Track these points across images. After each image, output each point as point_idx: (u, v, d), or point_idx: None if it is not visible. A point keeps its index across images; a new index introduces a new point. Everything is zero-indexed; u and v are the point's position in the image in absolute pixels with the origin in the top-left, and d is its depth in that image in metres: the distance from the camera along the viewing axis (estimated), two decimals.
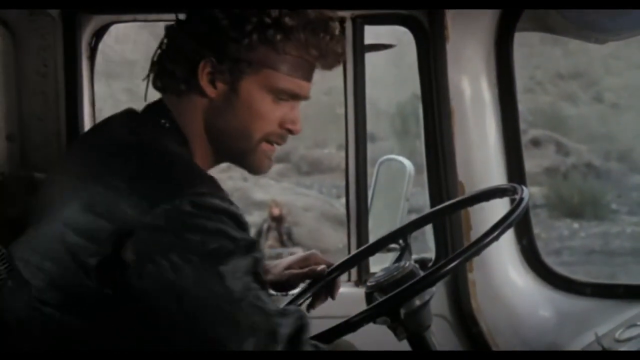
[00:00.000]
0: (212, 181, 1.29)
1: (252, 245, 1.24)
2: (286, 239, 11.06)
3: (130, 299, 1.22)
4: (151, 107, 1.42)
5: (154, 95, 1.44)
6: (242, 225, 1.26)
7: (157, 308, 1.22)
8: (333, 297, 1.66)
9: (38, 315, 1.27)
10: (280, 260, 1.71)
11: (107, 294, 1.22)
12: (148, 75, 1.44)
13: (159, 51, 1.42)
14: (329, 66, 1.43)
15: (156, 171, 1.27)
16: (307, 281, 1.66)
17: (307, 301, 1.67)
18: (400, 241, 1.60)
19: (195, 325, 1.21)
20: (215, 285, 1.19)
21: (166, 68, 1.39)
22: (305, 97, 1.42)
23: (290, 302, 1.60)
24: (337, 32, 1.42)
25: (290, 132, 1.43)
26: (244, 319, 1.20)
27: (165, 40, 1.41)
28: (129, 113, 1.43)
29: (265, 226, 11.14)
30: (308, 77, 1.40)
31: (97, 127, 1.52)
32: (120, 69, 13.89)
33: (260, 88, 1.36)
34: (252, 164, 1.44)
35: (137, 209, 1.20)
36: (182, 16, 1.42)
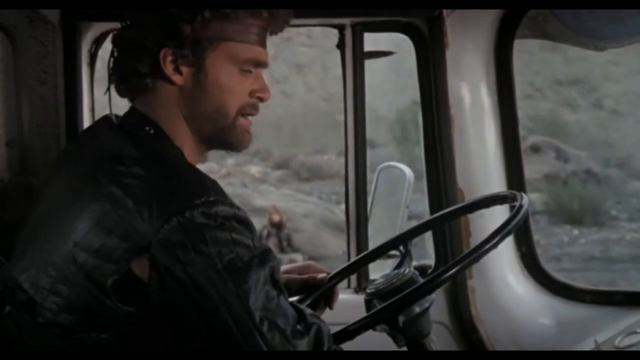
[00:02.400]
0: (217, 186, 1.29)
1: (267, 254, 1.26)
2: (286, 245, 11.06)
3: (153, 315, 1.22)
4: (130, 117, 1.41)
5: (119, 106, 1.44)
6: (250, 228, 1.27)
7: (179, 323, 1.22)
8: (331, 307, 1.66)
9: (49, 339, 1.27)
10: None
11: (128, 311, 1.23)
12: (109, 88, 1.44)
13: (112, 59, 1.42)
14: (279, 28, 1.47)
15: (161, 182, 1.26)
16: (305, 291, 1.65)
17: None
18: (401, 248, 1.60)
19: (214, 344, 1.22)
20: (237, 306, 1.20)
21: (128, 70, 1.38)
22: (265, 64, 1.45)
23: None
24: None
25: (261, 99, 1.45)
26: (263, 343, 1.21)
27: (115, 49, 1.41)
28: (111, 124, 1.42)
29: (265, 232, 11.14)
30: (263, 43, 1.43)
31: (85, 141, 1.49)
32: None
33: (224, 62, 1.38)
34: (234, 141, 1.44)
35: (150, 224, 1.20)
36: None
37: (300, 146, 17.17)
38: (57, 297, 1.26)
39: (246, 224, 1.26)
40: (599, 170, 15.27)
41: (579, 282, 2.18)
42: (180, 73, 1.37)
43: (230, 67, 1.39)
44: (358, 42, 2.06)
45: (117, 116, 1.44)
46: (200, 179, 1.30)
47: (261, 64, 1.44)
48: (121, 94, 1.44)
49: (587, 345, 1.81)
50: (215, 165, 16.03)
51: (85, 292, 1.24)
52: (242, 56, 1.39)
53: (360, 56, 2.07)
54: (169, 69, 1.36)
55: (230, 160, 16.67)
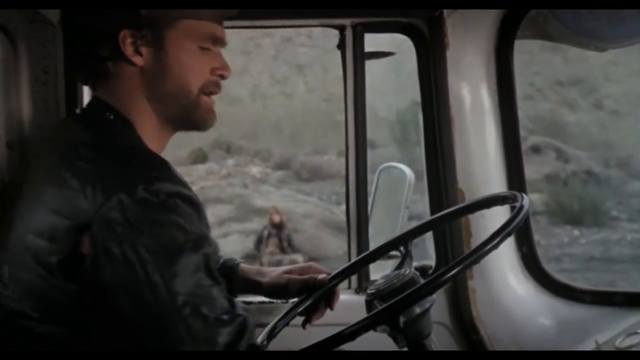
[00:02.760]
0: (164, 165, 1.31)
1: (202, 240, 1.26)
2: (286, 246, 11.06)
3: (93, 292, 1.23)
4: (91, 106, 1.44)
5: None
6: (195, 207, 1.28)
7: (112, 302, 1.23)
8: (332, 308, 1.66)
9: (14, 332, 1.28)
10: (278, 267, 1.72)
11: (74, 290, 1.24)
12: (71, 78, 1.46)
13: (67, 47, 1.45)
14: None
15: (108, 164, 1.29)
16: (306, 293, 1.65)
17: (305, 307, 1.66)
18: (402, 248, 1.60)
19: (139, 324, 1.23)
20: (161, 288, 1.21)
21: (88, 56, 1.39)
22: (222, 41, 1.46)
23: (290, 311, 1.60)
24: None
25: (222, 77, 1.46)
26: (182, 328, 1.21)
27: (72, 36, 1.43)
28: (74, 116, 1.47)
29: (265, 233, 11.15)
30: (219, 20, 1.45)
31: (50, 135, 1.54)
32: None
33: (183, 40, 1.39)
34: (198, 121, 1.45)
35: (92, 202, 1.22)
36: None
37: (300, 147, 17.19)
38: (16, 284, 1.28)
39: (190, 203, 1.27)
40: (600, 171, 15.28)
41: (579, 282, 2.18)
42: (141, 54, 1.38)
43: (189, 44, 1.40)
44: (358, 42, 2.06)
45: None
46: (148, 159, 1.32)
47: (219, 40, 1.45)
48: (86, 82, 1.47)
49: (588, 346, 1.81)
50: (215, 166, 16.04)
51: (35, 275, 1.25)
52: (199, 33, 1.41)
53: (360, 57, 2.07)
54: (128, 50, 1.37)
55: (231, 160, 16.68)
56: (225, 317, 1.25)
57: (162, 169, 1.29)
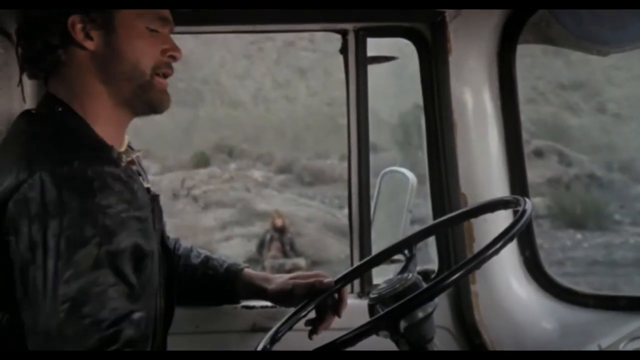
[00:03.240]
0: (101, 145, 1.33)
1: (111, 236, 1.24)
2: (289, 250, 11.06)
3: (5, 270, 1.23)
4: (42, 101, 1.45)
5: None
6: (128, 186, 1.29)
7: (10, 283, 1.23)
8: (339, 315, 1.66)
9: None
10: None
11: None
12: (20, 80, 1.47)
13: (20, 42, 1.44)
14: None
15: (41, 148, 1.30)
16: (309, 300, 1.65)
17: (312, 319, 1.66)
18: (406, 252, 1.60)
19: (24, 308, 1.23)
20: (50, 277, 1.19)
21: (39, 46, 1.40)
22: (169, 22, 1.48)
23: (293, 315, 1.59)
24: None
25: (174, 58, 1.48)
26: (54, 322, 1.20)
27: (22, 30, 1.43)
28: (25, 112, 1.47)
29: (267, 237, 11.15)
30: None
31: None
32: None
33: (130, 21, 1.41)
34: (154, 102, 1.47)
35: (16, 179, 1.23)
36: None
37: (302, 150, 17.18)
38: None
39: (122, 181, 1.28)
40: (602, 174, 15.27)
41: (582, 286, 2.17)
42: (91, 38, 1.39)
43: (138, 25, 1.42)
44: (361, 47, 2.06)
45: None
46: (84, 140, 1.33)
47: (166, 20, 1.47)
48: (38, 76, 1.47)
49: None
50: (218, 170, 16.04)
51: None
52: (148, 15, 1.42)
53: (363, 61, 2.07)
54: (79, 35, 1.39)
55: (233, 164, 16.68)
56: (104, 323, 1.22)
57: (97, 149, 1.30)
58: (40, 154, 1.27)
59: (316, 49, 18.52)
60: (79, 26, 1.38)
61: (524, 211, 1.40)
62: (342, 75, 2.12)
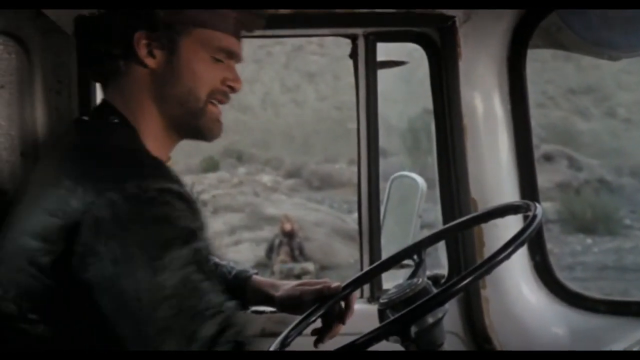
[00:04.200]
0: (158, 163, 1.31)
1: (192, 234, 1.24)
2: (298, 254, 11.05)
3: (82, 292, 1.22)
4: (97, 110, 1.45)
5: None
6: (188, 203, 1.27)
7: (97, 301, 1.22)
8: (344, 322, 1.65)
9: (14, 333, 1.28)
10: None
11: (66, 290, 1.24)
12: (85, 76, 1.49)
13: (83, 45, 1.45)
14: (254, 24, 1.49)
15: (101, 164, 1.29)
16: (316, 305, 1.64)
17: (318, 329, 1.66)
18: (415, 257, 1.59)
19: (120, 321, 1.22)
20: (145, 283, 1.19)
21: (101, 53, 1.40)
22: (238, 56, 1.47)
23: (302, 320, 1.59)
24: None
25: (233, 89, 1.47)
26: (162, 321, 1.19)
27: (89, 35, 1.43)
28: (79, 121, 1.47)
29: (276, 241, 11.15)
30: (237, 33, 1.45)
31: (55, 140, 1.56)
32: None
33: (196, 47, 1.40)
34: (204, 129, 1.46)
35: (82, 201, 1.21)
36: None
37: (311, 155, 17.19)
38: (10, 286, 1.28)
39: (180, 197, 1.26)
40: (612, 179, 15.21)
41: (592, 291, 2.17)
42: (154, 56, 1.39)
43: (203, 53, 1.41)
44: (371, 52, 2.06)
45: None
46: (142, 158, 1.32)
47: (233, 54, 1.46)
48: (97, 79, 1.48)
49: None
50: (226, 174, 16.07)
51: (28, 276, 1.25)
52: (214, 44, 1.42)
53: (372, 66, 2.07)
54: (142, 52, 1.39)
55: (242, 169, 16.70)
56: (208, 312, 1.23)
57: (155, 167, 1.29)
58: (102, 174, 1.26)
59: (325, 53, 18.54)
60: (143, 42, 1.38)
61: (535, 216, 1.39)
62: (351, 80, 2.12)
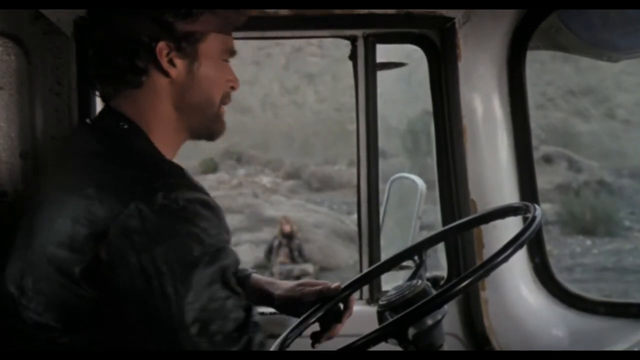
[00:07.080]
0: (181, 171, 1.32)
1: (219, 253, 1.26)
2: (297, 255, 11.06)
3: (111, 300, 1.24)
4: (103, 116, 1.44)
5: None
6: (215, 213, 1.28)
7: (127, 311, 1.24)
8: (340, 321, 1.65)
9: (41, 343, 1.28)
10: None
11: (97, 298, 1.25)
12: (93, 88, 1.46)
13: (97, 58, 1.42)
14: (240, 20, 1.49)
15: (124, 171, 1.29)
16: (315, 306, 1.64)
17: (315, 331, 1.65)
18: (416, 258, 1.59)
19: (149, 335, 1.24)
20: (173, 302, 1.21)
21: (123, 67, 1.39)
22: (235, 53, 1.49)
23: (302, 321, 1.59)
24: None
25: (233, 88, 1.49)
26: (188, 344, 1.22)
27: (104, 47, 1.41)
28: (87, 126, 1.48)
29: (276, 242, 11.16)
30: (231, 31, 1.48)
31: (63, 145, 1.55)
32: None
33: (212, 52, 1.43)
34: (216, 130, 1.49)
35: (109, 210, 1.22)
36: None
37: (311, 156, 17.20)
38: (40, 296, 1.28)
39: (209, 208, 1.27)
40: (612, 181, 15.22)
41: (592, 292, 2.16)
42: (175, 66, 1.39)
43: (216, 57, 1.44)
44: (370, 53, 2.06)
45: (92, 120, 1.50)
46: (165, 166, 1.33)
47: (233, 52, 1.49)
48: (106, 93, 1.44)
49: None
50: (226, 176, 16.07)
51: (59, 285, 1.26)
52: (224, 46, 1.45)
53: (372, 67, 2.07)
54: (165, 62, 1.38)
55: (241, 170, 16.71)
56: (235, 334, 1.25)
57: (179, 176, 1.30)
58: (127, 182, 1.26)
59: (325, 54, 18.55)
60: (165, 52, 1.38)
61: (534, 218, 1.39)
62: (351, 81, 2.12)
